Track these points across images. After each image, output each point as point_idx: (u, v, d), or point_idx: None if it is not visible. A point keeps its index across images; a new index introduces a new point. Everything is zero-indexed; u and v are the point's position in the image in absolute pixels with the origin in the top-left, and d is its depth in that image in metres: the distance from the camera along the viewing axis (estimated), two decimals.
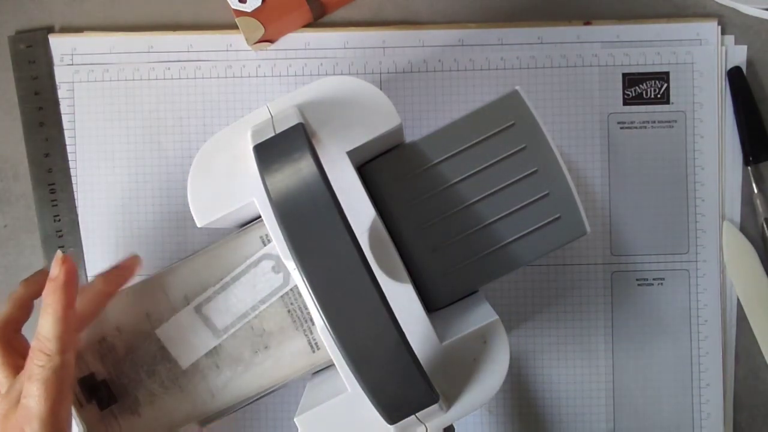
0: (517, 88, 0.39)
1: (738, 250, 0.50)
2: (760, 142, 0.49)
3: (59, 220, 0.51)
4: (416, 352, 0.32)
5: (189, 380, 0.40)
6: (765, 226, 0.50)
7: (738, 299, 0.50)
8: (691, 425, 0.50)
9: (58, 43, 0.51)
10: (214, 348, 0.40)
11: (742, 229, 0.50)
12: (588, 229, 0.39)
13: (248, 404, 0.41)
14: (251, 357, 0.40)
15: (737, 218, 0.50)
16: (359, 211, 0.37)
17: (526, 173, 0.39)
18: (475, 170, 0.39)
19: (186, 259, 0.40)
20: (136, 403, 0.40)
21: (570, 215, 0.39)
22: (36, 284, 0.40)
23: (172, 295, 0.40)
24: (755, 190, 0.50)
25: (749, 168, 0.50)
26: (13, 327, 0.39)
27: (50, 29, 0.51)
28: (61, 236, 0.50)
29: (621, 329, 0.50)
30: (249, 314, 0.40)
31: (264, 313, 0.40)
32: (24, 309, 0.40)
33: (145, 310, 0.40)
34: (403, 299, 0.37)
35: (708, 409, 0.50)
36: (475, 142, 0.39)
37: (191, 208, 0.38)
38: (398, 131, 0.38)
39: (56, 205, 0.51)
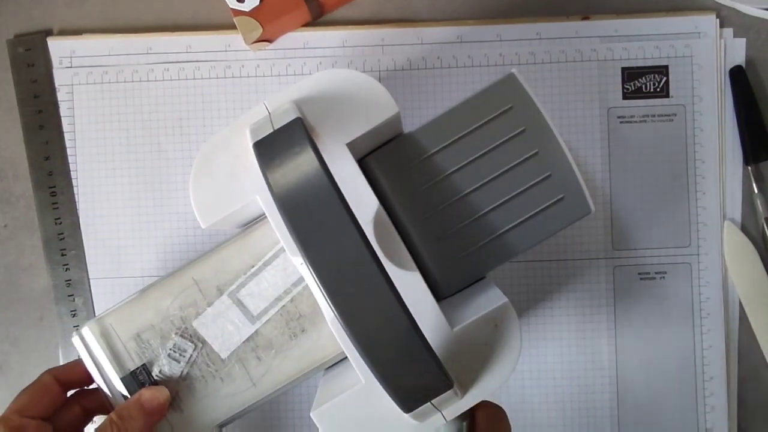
0: (513, 71, 0.39)
1: (739, 250, 0.50)
2: (761, 142, 0.49)
3: (60, 223, 0.51)
4: (428, 339, 0.32)
5: (229, 370, 0.40)
6: (765, 226, 0.49)
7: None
8: (695, 418, 0.50)
9: (56, 46, 0.51)
10: (251, 335, 0.40)
11: (743, 228, 0.50)
12: (592, 207, 0.38)
13: (288, 389, 0.41)
14: (289, 341, 0.40)
15: (738, 215, 0.50)
16: (362, 202, 0.37)
17: (527, 156, 0.39)
18: (476, 156, 0.39)
19: (215, 249, 0.40)
20: (177, 399, 0.40)
21: (573, 195, 0.38)
22: (68, 374, 0.40)
23: (204, 286, 0.40)
24: (755, 190, 0.50)
25: (749, 167, 0.50)
26: (30, 414, 0.38)
27: (49, 32, 0.51)
28: (62, 239, 0.50)
29: (624, 324, 0.50)
30: (283, 298, 0.40)
31: (298, 296, 0.40)
32: (49, 395, 0.39)
33: (178, 303, 0.40)
34: (411, 287, 0.36)
35: (712, 402, 0.50)
36: (473, 128, 0.39)
37: (195, 210, 0.38)
38: (396, 120, 0.38)
39: (57, 208, 0.51)
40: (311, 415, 0.37)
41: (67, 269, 0.50)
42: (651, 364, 0.50)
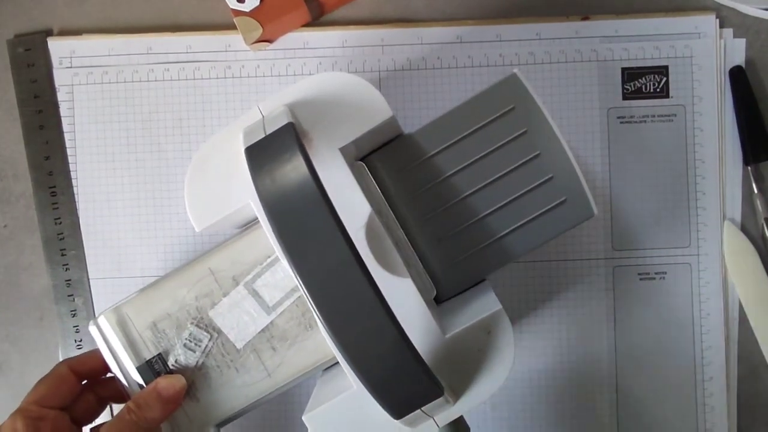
0: (515, 71, 0.39)
1: (739, 251, 0.49)
2: (761, 142, 0.49)
3: (60, 223, 0.51)
4: (419, 346, 0.32)
5: (244, 361, 0.40)
6: (765, 226, 0.49)
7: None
8: (695, 418, 0.50)
9: (56, 46, 0.51)
10: (267, 326, 0.40)
11: (743, 228, 0.50)
12: (595, 211, 0.38)
13: (303, 380, 0.41)
14: (304, 332, 0.40)
15: (738, 215, 0.50)
16: (354, 207, 0.37)
17: (528, 157, 0.38)
18: (477, 157, 0.39)
19: (231, 240, 0.40)
20: (194, 388, 0.40)
21: (576, 198, 0.38)
22: (83, 365, 0.41)
23: (220, 276, 0.40)
24: (755, 190, 0.49)
25: (749, 168, 0.49)
26: (48, 404, 0.39)
27: (49, 32, 0.51)
28: (62, 239, 0.50)
29: (623, 324, 0.50)
30: (298, 289, 0.40)
31: None
32: (66, 386, 0.40)
33: (194, 293, 0.40)
34: (403, 294, 0.36)
35: (712, 402, 0.50)
36: (475, 129, 0.39)
37: (189, 214, 0.38)
38: (392, 123, 0.38)
39: (57, 208, 0.51)
40: (303, 418, 0.37)
41: (67, 269, 0.50)
42: (651, 364, 0.50)
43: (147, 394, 0.38)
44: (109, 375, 0.41)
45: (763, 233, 0.50)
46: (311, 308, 0.35)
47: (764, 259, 0.50)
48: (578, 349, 0.50)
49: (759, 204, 0.49)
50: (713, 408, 0.50)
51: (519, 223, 0.38)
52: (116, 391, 0.41)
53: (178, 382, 0.39)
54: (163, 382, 0.39)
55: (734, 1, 0.49)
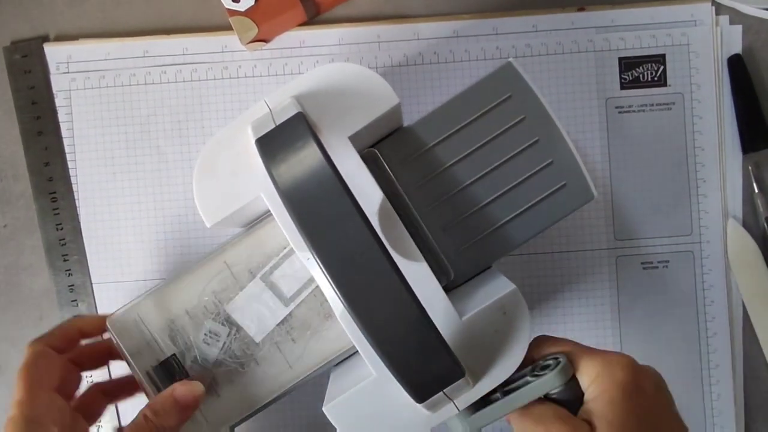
0: (510, 59, 0.40)
1: (742, 249, 0.49)
2: (758, 130, 0.49)
3: (61, 229, 0.51)
4: (437, 328, 0.32)
5: (265, 353, 0.40)
6: (766, 225, 0.49)
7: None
8: (701, 406, 0.50)
9: (53, 52, 0.51)
10: (285, 317, 0.40)
11: (744, 226, 0.50)
12: (595, 193, 0.39)
13: (323, 370, 0.41)
14: (324, 322, 0.40)
15: (738, 201, 0.50)
16: (367, 194, 0.37)
17: (527, 144, 0.39)
18: (476, 146, 0.39)
19: (246, 233, 0.40)
20: (215, 384, 0.40)
21: (575, 182, 0.39)
22: (90, 324, 0.41)
23: (236, 270, 0.40)
24: (756, 190, 0.49)
25: (750, 168, 0.49)
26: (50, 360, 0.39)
27: (45, 38, 0.51)
28: (64, 244, 0.50)
29: (628, 313, 0.50)
30: (315, 280, 0.40)
31: None
32: (65, 341, 0.40)
33: (211, 289, 0.40)
34: (419, 277, 0.36)
35: (718, 390, 0.50)
36: (473, 118, 0.39)
37: (199, 210, 0.38)
38: (397, 112, 0.38)
39: (58, 214, 0.51)
40: (324, 410, 0.37)
41: (69, 274, 0.50)
42: (656, 353, 0.50)
43: (164, 400, 0.38)
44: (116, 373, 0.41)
45: (764, 233, 0.49)
46: (331, 294, 0.35)
47: (767, 259, 0.49)
48: (584, 340, 0.50)
49: (760, 203, 0.49)
50: (720, 395, 0.50)
51: (522, 209, 0.39)
52: (119, 384, 0.41)
53: (197, 388, 0.38)
54: (181, 389, 0.38)
55: (734, 1, 0.49)
